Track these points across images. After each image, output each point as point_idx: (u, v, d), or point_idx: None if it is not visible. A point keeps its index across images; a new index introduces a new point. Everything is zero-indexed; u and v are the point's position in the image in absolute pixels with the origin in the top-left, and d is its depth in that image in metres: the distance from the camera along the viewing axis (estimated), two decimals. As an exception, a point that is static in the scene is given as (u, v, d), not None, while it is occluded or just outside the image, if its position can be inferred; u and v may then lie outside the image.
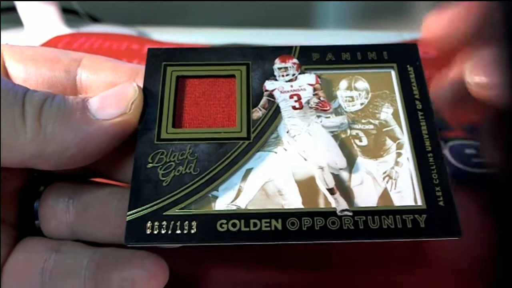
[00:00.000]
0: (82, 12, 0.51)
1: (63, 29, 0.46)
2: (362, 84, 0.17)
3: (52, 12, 0.45)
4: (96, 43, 0.43)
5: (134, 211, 0.14)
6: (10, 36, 0.45)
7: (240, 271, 0.17)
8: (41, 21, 0.45)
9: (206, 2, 0.58)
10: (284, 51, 0.17)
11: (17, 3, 0.43)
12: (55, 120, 0.11)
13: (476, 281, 0.16)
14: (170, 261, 0.15)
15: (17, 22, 0.46)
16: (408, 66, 0.17)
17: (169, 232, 0.14)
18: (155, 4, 0.58)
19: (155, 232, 0.14)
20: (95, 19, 0.54)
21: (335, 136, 0.16)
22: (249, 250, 0.17)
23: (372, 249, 0.17)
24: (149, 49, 0.17)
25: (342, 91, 0.17)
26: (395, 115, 0.16)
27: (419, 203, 0.15)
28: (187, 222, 0.14)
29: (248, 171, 0.15)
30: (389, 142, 0.16)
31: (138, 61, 0.38)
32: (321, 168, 0.15)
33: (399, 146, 0.16)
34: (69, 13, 0.50)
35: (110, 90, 0.14)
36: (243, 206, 0.15)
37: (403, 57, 0.17)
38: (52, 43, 0.41)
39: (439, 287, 0.16)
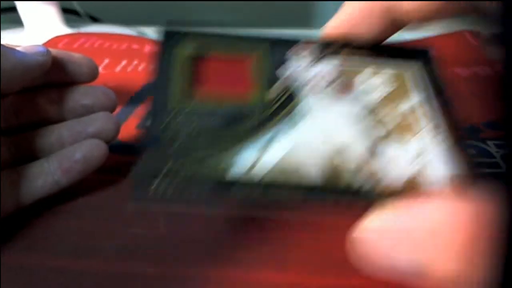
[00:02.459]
0: (82, 12, 0.51)
1: (63, 29, 0.45)
2: (381, 78, 0.17)
3: (52, 12, 0.44)
4: (96, 43, 0.42)
5: (142, 170, 0.14)
6: (10, 36, 0.44)
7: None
8: (41, 21, 0.44)
9: (206, 2, 0.58)
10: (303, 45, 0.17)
11: (17, 3, 0.43)
12: (7, 51, 0.17)
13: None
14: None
15: (17, 22, 0.46)
16: (424, 65, 0.17)
17: (178, 193, 0.13)
18: (155, 4, 0.58)
19: (164, 192, 0.13)
20: (95, 19, 0.53)
21: (357, 119, 0.15)
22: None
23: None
24: (165, 31, 0.17)
25: (361, 83, 0.16)
26: (414, 110, 0.16)
27: None
28: (198, 185, 0.13)
29: (267, 143, 0.15)
30: (414, 128, 0.15)
31: (139, 61, 0.38)
32: (343, 147, 0.15)
33: (422, 135, 0.15)
34: (69, 13, 0.49)
35: (28, 45, 0.19)
36: (258, 179, 0.14)
37: (418, 58, 0.17)
38: (52, 43, 0.41)
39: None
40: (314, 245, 0.17)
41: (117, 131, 0.21)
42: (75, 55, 0.21)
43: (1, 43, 0.17)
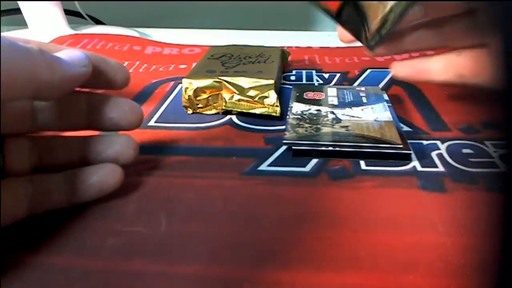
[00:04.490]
0: (85, 14, 0.51)
1: (67, 30, 0.46)
2: None
3: (55, 13, 0.45)
4: (99, 44, 0.42)
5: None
6: (14, 36, 0.45)
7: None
8: (45, 22, 0.44)
9: (206, 3, 0.58)
10: None
11: (20, 4, 0.43)
12: (55, 62, 0.16)
13: (476, 281, 0.15)
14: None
15: (21, 24, 0.46)
16: None
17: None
18: (156, 7, 0.58)
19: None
20: (98, 21, 0.54)
21: None
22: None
23: (370, 249, 0.17)
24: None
25: None
26: None
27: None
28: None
29: None
30: None
31: (140, 61, 0.38)
32: None
33: None
34: (72, 15, 0.50)
35: (69, 51, 0.18)
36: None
37: None
38: (56, 43, 0.41)
39: (437, 287, 0.16)
40: (314, 243, 0.17)
41: (135, 156, 0.21)
42: (111, 62, 0.21)
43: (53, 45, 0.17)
